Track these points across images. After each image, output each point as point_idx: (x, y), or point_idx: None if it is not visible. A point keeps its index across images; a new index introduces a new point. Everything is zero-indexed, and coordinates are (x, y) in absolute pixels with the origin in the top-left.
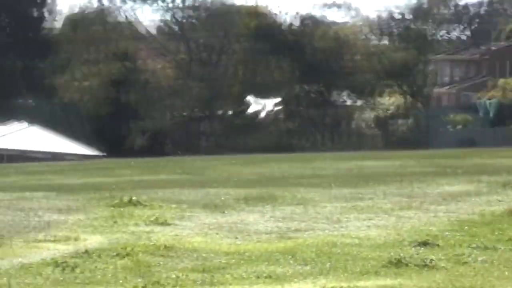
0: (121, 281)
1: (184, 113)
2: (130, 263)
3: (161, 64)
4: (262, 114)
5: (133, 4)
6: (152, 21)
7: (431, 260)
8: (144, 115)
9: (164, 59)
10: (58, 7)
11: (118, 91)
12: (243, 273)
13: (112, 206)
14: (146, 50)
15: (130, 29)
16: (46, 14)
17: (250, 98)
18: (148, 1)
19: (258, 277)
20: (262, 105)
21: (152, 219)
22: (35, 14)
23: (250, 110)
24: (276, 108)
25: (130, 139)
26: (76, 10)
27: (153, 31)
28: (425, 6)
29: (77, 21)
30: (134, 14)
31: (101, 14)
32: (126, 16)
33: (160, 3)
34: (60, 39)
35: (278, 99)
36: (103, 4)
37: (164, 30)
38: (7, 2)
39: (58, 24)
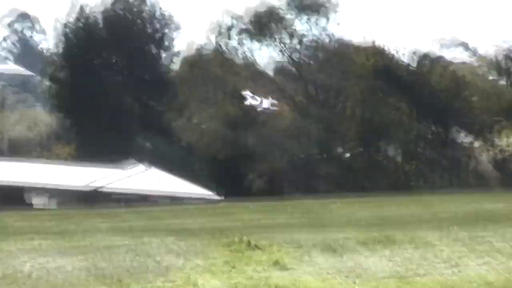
0: None
1: (302, 155)
2: None
3: (277, 105)
4: (258, 109)
5: (250, 44)
6: (269, 62)
7: None
8: (262, 157)
9: (281, 101)
10: (176, 47)
11: (236, 132)
12: None
13: (230, 250)
14: (263, 91)
15: (247, 70)
16: (163, 54)
17: (247, 93)
18: (266, 42)
19: None
20: (259, 102)
21: (270, 263)
22: (152, 54)
23: (247, 103)
24: (272, 108)
25: (248, 181)
26: (194, 50)
27: (270, 72)
28: None
29: (194, 61)
30: (252, 55)
31: (219, 54)
32: (244, 57)
33: (277, 44)
34: (177, 80)
35: (275, 101)
36: (220, 45)
37: (281, 71)
38: (124, 42)
39: (176, 64)
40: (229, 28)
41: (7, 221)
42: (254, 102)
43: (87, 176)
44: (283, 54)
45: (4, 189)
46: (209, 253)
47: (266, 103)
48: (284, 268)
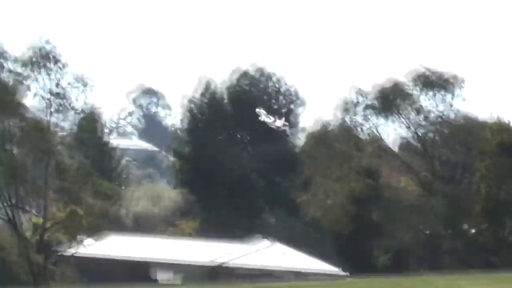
0: None
1: (427, 231)
2: None
3: (403, 181)
4: (271, 126)
5: (376, 120)
6: (394, 137)
7: None
8: (386, 232)
9: (407, 176)
10: (301, 123)
11: (360, 208)
12: None
13: None
14: (388, 167)
15: (372, 146)
16: (288, 131)
17: (261, 111)
18: (391, 118)
19: None
20: (272, 120)
21: None
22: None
23: (261, 119)
24: (283, 128)
25: (373, 256)
26: (319, 125)
27: (395, 148)
28: None
29: (320, 137)
30: (377, 131)
31: (344, 130)
32: (369, 133)
33: (403, 119)
34: (303, 155)
35: (286, 122)
36: (346, 120)
37: (406, 146)
38: (249, 118)
39: (301, 140)
40: (355, 104)
41: None
42: (267, 120)
43: (211, 252)
44: (408, 130)
45: (129, 265)
46: None
47: (279, 122)
48: None
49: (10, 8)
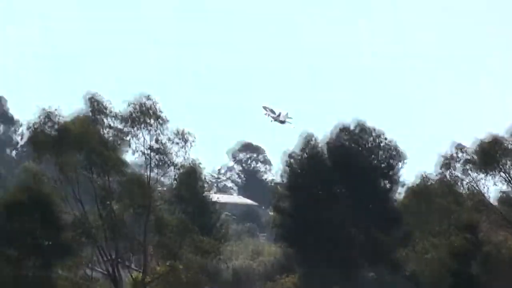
0: None
1: None
2: None
3: (503, 236)
4: (276, 120)
5: (476, 176)
6: (494, 192)
7: None
8: (486, 287)
9: (506, 231)
10: (401, 177)
11: (460, 262)
12: None
13: None
14: (488, 222)
15: (472, 200)
16: (388, 185)
17: (267, 107)
18: (491, 173)
19: None
20: (276, 114)
21: None
22: (377, 185)
23: (264, 114)
24: (287, 121)
25: None
26: (419, 180)
27: (495, 202)
28: None
29: (419, 191)
30: (476, 185)
31: (444, 184)
32: (468, 188)
33: (502, 174)
34: (402, 211)
35: (291, 117)
36: (445, 175)
37: (506, 201)
38: (349, 173)
39: (400, 194)
40: (455, 159)
41: None
42: (272, 115)
43: None
44: (508, 184)
45: None
46: None
47: (283, 116)
48: None
49: (110, 63)
